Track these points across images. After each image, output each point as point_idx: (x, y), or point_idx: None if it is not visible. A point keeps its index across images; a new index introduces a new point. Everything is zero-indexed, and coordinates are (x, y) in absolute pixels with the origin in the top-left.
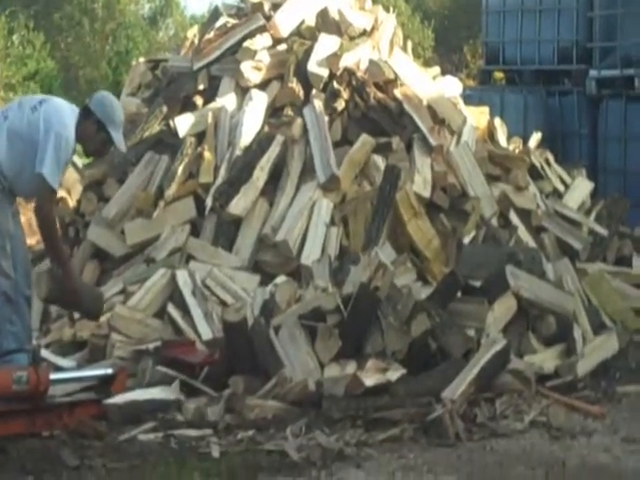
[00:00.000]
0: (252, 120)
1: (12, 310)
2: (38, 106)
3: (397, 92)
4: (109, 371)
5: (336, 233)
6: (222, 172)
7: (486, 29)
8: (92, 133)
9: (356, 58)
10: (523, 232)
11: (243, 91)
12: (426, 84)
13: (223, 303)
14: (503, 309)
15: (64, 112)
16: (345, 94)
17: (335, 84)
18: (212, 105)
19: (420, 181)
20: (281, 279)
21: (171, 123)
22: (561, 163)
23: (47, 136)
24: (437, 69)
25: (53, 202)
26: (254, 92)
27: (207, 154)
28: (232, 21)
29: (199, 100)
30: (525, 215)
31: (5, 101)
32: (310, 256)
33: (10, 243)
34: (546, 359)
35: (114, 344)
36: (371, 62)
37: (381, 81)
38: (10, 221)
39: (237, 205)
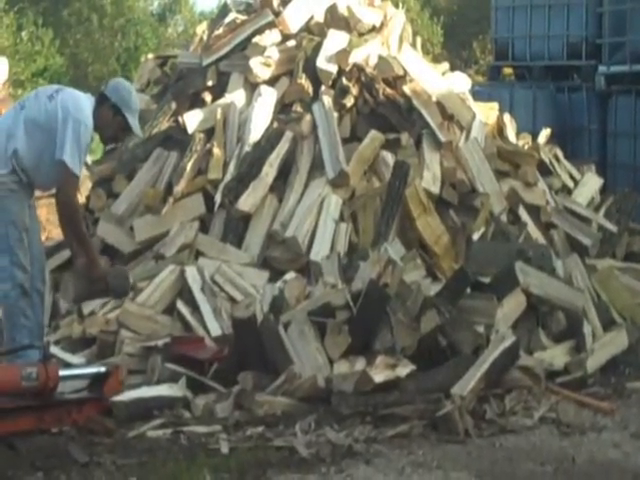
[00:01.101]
0: (261, 116)
1: (27, 304)
2: (55, 95)
3: (406, 88)
4: (102, 369)
5: (345, 229)
6: (231, 168)
7: (495, 25)
8: (109, 118)
9: (365, 54)
10: (532, 228)
11: (252, 87)
12: (435, 80)
13: (232, 299)
14: (512, 305)
15: (80, 99)
16: (354, 90)
17: (344, 80)
18: (221, 101)
19: (429, 177)
20: (290, 275)
21: (180, 119)
22: (570, 159)
23: (65, 123)
24: (446, 65)
25: (76, 187)
26: (263, 88)
27: (216, 150)
28: (241, 17)
29: (208, 96)
30: (534, 211)
31: (14, 98)
32: (319, 252)
33: (27, 236)
34: (556, 355)
35: (123, 340)
36: (380, 58)
37: (390, 77)
38: (27, 214)
39: (246, 201)
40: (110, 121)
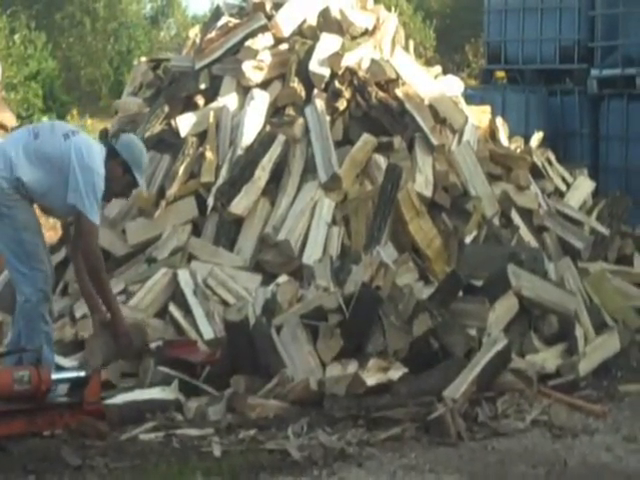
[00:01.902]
0: (254, 120)
1: (47, 309)
2: (71, 135)
3: (399, 91)
4: (81, 374)
5: (338, 233)
6: (223, 172)
7: (488, 28)
8: (119, 175)
9: (358, 58)
10: (525, 231)
11: (245, 91)
12: (428, 83)
13: (225, 303)
14: (505, 308)
15: (94, 148)
16: (347, 94)
17: (337, 84)
18: (214, 105)
19: (422, 180)
20: (283, 279)
21: (173, 123)
22: (562, 162)
23: (79, 170)
24: (439, 68)
25: (97, 236)
26: (256, 92)
27: (209, 154)
28: (234, 20)
29: (201, 100)
30: (527, 214)
31: (6, 101)
32: (312, 256)
33: (41, 240)
34: (548, 358)
35: None
36: (373, 61)
37: (383, 80)
38: (37, 219)
39: (238, 205)
40: (119, 177)
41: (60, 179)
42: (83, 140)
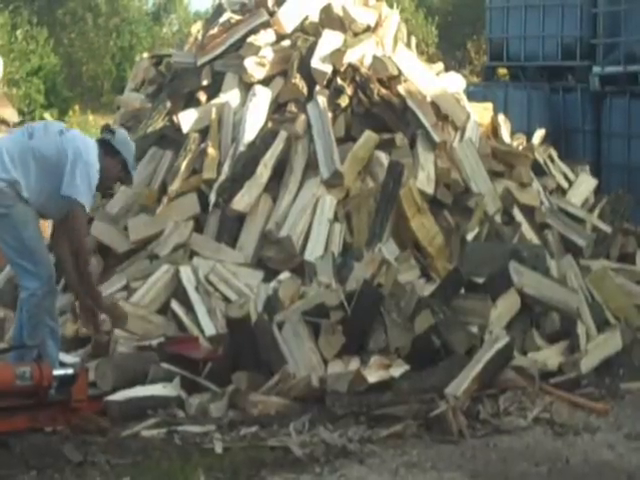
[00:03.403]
0: (256, 116)
1: (53, 303)
2: (65, 131)
3: (401, 88)
4: (69, 371)
5: (339, 229)
6: (226, 168)
7: (490, 25)
8: (116, 171)
9: (360, 54)
10: (527, 229)
11: (247, 87)
12: (430, 80)
13: (226, 299)
14: (506, 306)
15: (89, 143)
16: (349, 90)
17: (339, 80)
18: (216, 101)
19: (423, 177)
20: (284, 275)
21: (175, 119)
22: (564, 159)
23: (76, 163)
24: (441, 65)
25: (86, 226)
26: (258, 88)
27: (211, 150)
28: (236, 17)
29: (203, 96)
30: (529, 212)
31: (8, 97)
32: (313, 252)
33: (42, 235)
34: (550, 356)
35: (117, 340)
36: (375, 58)
37: (385, 77)
38: (35, 214)
39: (240, 201)
40: (116, 174)
41: (56, 176)
42: (78, 135)
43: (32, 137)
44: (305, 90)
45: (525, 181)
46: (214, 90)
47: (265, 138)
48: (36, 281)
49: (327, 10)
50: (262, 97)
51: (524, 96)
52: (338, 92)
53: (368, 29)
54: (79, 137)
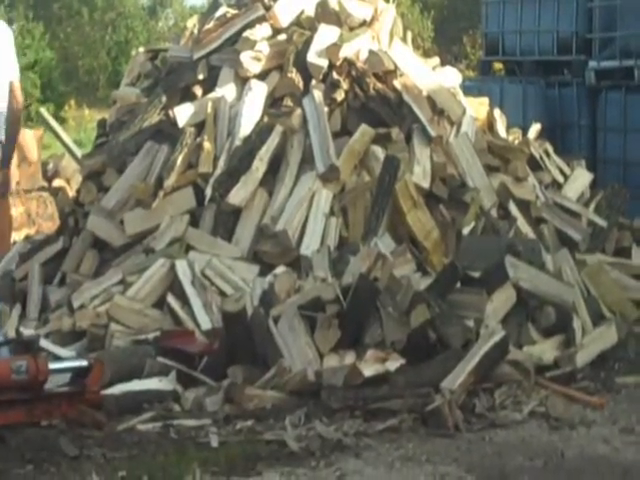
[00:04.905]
0: (251, 110)
1: None
2: None
3: (397, 83)
4: (84, 363)
5: (335, 223)
6: (221, 162)
7: (485, 20)
8: None
9: (356, 49)
10: (522, 223)
11: (242, 81)
12: (426, 75)
13: (222, 293)
14: (502, 300)
15: None
16: (345, 85)
17: (335, 74)
18: (211, 95)
19: (419, 172)
20: (280, 269)
21: (170, 113)
22: (560, 154)
23: None
24: (436, 60)
25: None
26: (253, 82)
27: (206, 144)
28: (232, 11)
29: (198, 90)
30: (524, 206)
31: None
32: (309, 246)
33: None
34: (545, 350)
35: (113, 334)
36: (371, 52)
37: (381, 72)
38: None
39: (236, 195)
40: None
41: None
42: None
43: None
44: (301, 84)
45: (521, 175)
46: (210, 84)
47: (261, 132)
48: None
49: (323, 4)
50: (258, 91)
51: (520, 91)
52: (334, 86)
53: (364, 23)
54: None
